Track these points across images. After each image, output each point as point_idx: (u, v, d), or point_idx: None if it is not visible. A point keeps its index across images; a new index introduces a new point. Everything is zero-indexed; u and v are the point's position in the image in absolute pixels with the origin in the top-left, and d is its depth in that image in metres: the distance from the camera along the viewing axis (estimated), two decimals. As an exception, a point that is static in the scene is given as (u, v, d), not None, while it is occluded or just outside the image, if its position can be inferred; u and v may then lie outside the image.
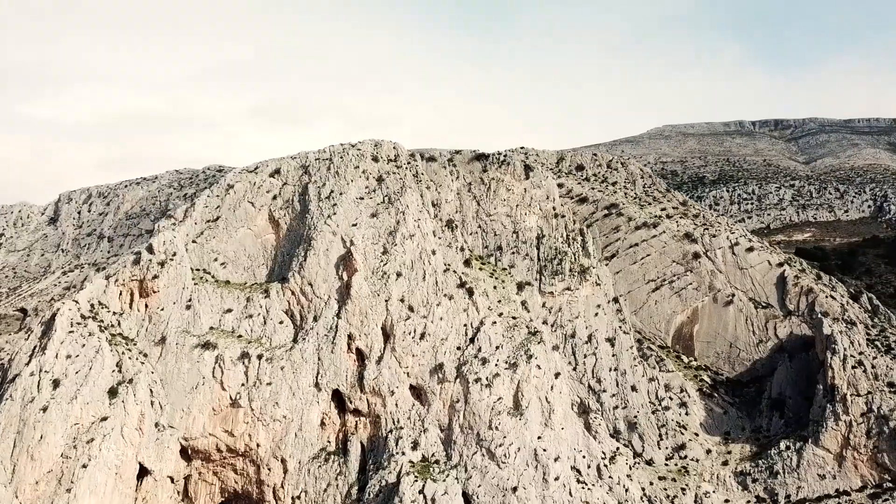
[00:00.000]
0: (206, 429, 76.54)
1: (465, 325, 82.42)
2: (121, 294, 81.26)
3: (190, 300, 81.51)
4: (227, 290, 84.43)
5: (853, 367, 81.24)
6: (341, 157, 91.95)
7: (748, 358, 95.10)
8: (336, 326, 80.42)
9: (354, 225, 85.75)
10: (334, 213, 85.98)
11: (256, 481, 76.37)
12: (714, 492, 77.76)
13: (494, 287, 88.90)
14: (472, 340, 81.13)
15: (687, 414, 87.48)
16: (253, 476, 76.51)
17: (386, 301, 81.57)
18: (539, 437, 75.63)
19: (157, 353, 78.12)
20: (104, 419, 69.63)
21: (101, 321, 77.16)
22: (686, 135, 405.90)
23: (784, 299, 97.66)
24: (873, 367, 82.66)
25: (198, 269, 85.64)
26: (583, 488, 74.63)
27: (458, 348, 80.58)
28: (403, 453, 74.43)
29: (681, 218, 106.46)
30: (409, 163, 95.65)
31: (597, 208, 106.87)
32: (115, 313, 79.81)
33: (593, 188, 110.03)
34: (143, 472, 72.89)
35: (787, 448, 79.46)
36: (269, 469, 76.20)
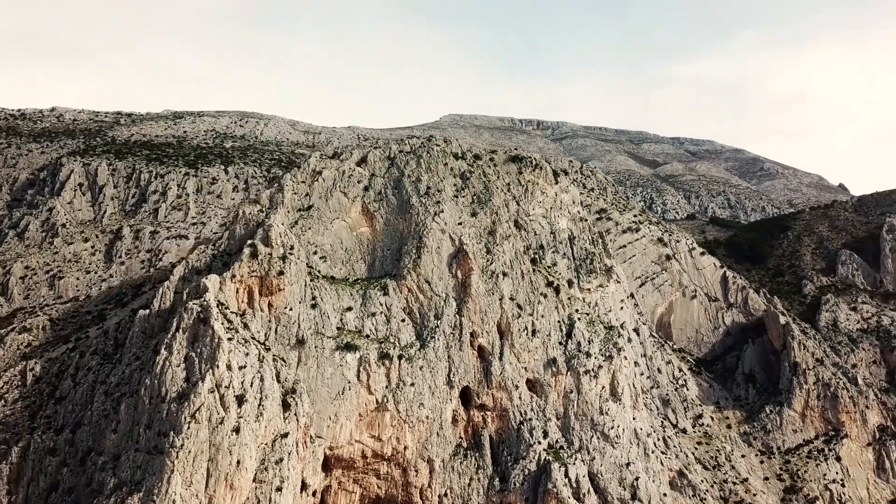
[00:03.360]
0: (352, 436, 73.04)
1: (558, 322, 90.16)
2: (237, 292, 71.69)
3: (314, 298, 75.38)
4: (341, 287, 79.33)
5: (803, 348, 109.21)
6: (428, 152, 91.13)
7: (709, 342, 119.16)
8: (460, 324, 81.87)
9: (460, 223, 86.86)
10: (441, 211, 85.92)
11: (403, 484, 75.23)
12: (733, 451, 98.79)
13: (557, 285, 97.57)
14: (568, 335, 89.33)
15: (688, 389, 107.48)
16: (399, 479, 75.17)
17: (500, 300, 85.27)
18: (634, 418, 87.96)
19: (295, 358, 71.49)
20: (284, 435, 63.40)
21: (234, 324, 67.79)
22: (477, 126, 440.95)
23: (727, 294, 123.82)
24: (808, 346, 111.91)
25: (300, 264, 78.48)
26: (665, 457, 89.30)
27: (560, 343, 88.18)
28: (539, 442, 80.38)
29: (649, 224, 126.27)
30: (475, 161, 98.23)
31: (589, 211, 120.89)
32: (235, 314, 70.35)
33: (581, 193, 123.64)
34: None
35: (771, 412, 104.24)
36: (416, 470, 75.63)
